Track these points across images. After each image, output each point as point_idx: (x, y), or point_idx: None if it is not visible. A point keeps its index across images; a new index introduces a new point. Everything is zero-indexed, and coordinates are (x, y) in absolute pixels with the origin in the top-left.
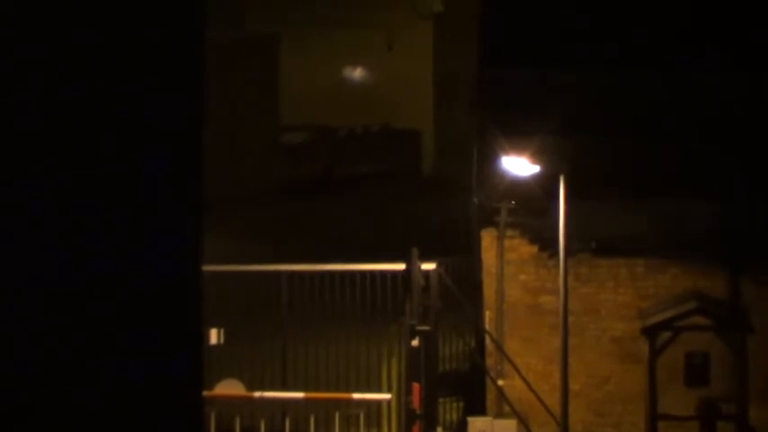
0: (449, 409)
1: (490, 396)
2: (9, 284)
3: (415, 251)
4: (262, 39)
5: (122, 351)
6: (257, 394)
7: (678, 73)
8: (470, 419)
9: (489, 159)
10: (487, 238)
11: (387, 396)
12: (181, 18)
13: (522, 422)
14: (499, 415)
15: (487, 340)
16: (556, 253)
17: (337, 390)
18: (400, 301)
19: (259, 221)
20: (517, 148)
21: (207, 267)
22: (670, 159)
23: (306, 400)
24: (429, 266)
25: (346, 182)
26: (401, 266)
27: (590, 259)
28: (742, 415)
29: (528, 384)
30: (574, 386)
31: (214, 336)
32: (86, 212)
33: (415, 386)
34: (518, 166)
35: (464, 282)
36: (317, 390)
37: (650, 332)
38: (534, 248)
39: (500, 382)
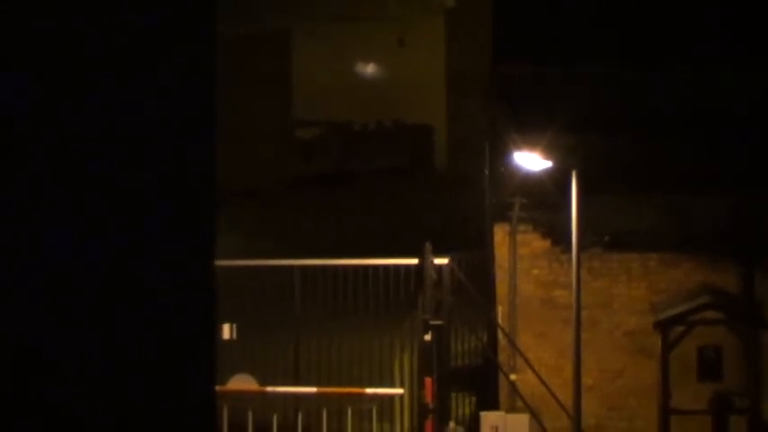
0: (461, 404)
1: (503, 390)
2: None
3: (427, 246)
4: (274, 34)
5: (134, 348)
6: (270, 389)
7: (691, 68)
8: (483, 414)
9: (502, 154)
10: (500, 232)
11: (399, 391)
12: (188, 7)
13: (535, 417)
14: (512, 409)
15: (500, 335)
16: (568, 247)
17: (350, 384)
18: (413, 296)
19: (271, 216)
20: (529, 143)
21: (219, 262)
22: (683, 154)
23: (318, 394)
24: (442, 261)
25: (359, 177)
26: (414, 261)
27: (602, 254)
28: (755, 409)
29: (540, 379)
30: (586, 380)
31: (227, 331)
32: (95, 210)
33: (428, 380)
34: (530, 161)
35: (477, 276)
36: (329, 384)
37: (663, 326)
38: (547, 243)
39: (512, 377)
